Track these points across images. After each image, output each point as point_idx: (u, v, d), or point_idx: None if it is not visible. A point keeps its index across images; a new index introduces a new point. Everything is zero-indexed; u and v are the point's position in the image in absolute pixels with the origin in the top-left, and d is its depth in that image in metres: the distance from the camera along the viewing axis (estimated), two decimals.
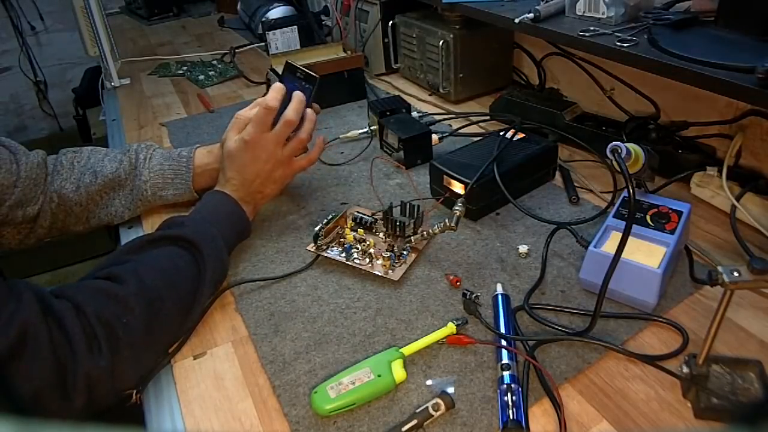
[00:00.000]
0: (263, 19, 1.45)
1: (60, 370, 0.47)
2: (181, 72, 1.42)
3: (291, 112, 0.73)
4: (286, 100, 0.75)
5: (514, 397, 0.49)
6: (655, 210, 0.63)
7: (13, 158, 0.73)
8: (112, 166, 0.78)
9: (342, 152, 0.96)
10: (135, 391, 0.54)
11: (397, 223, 0.69)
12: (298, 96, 0.74)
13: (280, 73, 0.78)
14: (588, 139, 0.87)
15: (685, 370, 0.49)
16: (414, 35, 1.15)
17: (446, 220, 0.66)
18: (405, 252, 0.69)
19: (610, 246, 0.60)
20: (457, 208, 0.67)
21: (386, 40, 1.24)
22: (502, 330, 0.57)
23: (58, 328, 0.49)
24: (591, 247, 0.61)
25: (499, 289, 0.62)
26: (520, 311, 0.60)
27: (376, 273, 0.66)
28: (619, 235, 0.52)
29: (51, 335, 0.48)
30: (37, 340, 0.46)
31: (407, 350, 0.55)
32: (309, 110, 0.77)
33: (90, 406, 0.50)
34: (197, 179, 0.80)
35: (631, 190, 0.51)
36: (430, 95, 1.17)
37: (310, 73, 0.76)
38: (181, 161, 0.80)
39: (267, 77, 1.24)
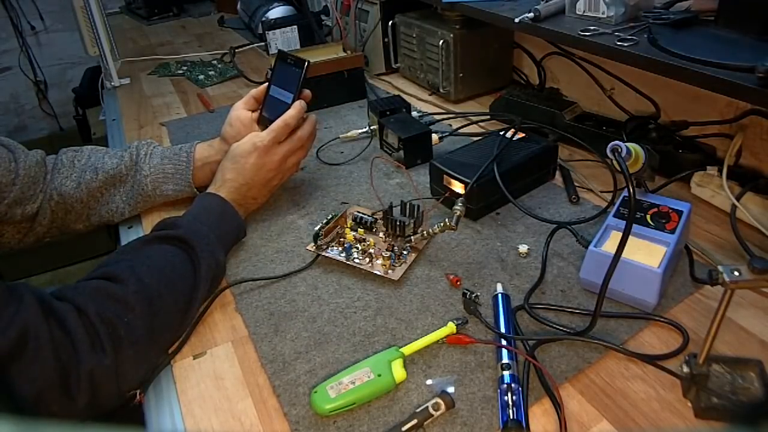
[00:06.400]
0: (263, 19, 1.45)
1: (62, 371, 0.47)
2: (181, 72, 1.42)
3: (290, 118, 0.75)
4: (281, 90, 0.79)
5: (514, 397, 0.49)
6: (656, 209, 0.63)
7: (12, 157, 0.73)
8: (113, 162, 0.78)
9: (342, 152, 0.96)
10: (138, 391, 0.55)
11: (397, 223, 0.69)
12: (298, 104, 0.76)
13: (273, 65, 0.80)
14: (588, 138, 0.87)
15: (686, 369, 0.49)
16: (414, 35, 1.15)
17: (446, 220, 0.66)
18: (405, 252, 0.69)
19: (610, 246, 0.60)
20: (457, 207, 0.67)
21: (386, 40, 1.24)
22: (503, 329, 0.57)
23: (59, 329, 0.49)
24: (591, 247, 0.61)
25: (499, 288, 0.62)
26: (521, 311, 0.60)
27: (376, 273, 0.66)
28: (619, 234, 0.52)
29: (52, 336, 0.48)
30: (38, 341, 0.46)
31: (407, 350, 0.55)
32: (312, 116, 0.79)
33: (94, 406, 0.50)
34: (198, 173, 0.81)
35: (631, 190, 0.51)
36: (430, 95, 1.17)
37: (300, 57, 0.77)
38: (181, 156, 0.81)
39: (267, 77, 1.24)
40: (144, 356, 0.55)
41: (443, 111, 1.08)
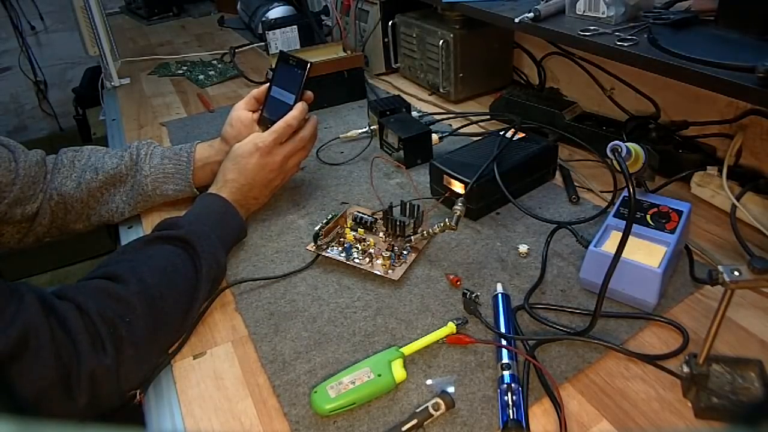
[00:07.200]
0: (263, 19, 1.45)
1: (63, 370, 0.47)
2: (181, 72, 1.42)
3: (292, 119, 0.75)
4: (282, 91, 0.78)
5: (514, 397, 0.49)
6: (656, 209, 0.63)
7: (12, 156, 0.73)
8: (113, 162, 0.78)
9: (342, 152, 0.96)
10: (138, 391, 0.55)
11: (397, 223, 0.69)
12: (300, 105, 0.76)
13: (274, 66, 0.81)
14: (588, 138, 0.87)
15: (686, 369, 0.49)
16: (414, 35, 1.15)
17: (446, 220, 0.66)
18: (405, 252, 0.69)
19: (610, 245, 0.60)
20: (457, 207, 0.67)
21: (386, 40, 1.24)
22: (503, 329, 0.57)
23: (60, 328, 0.49)
24: (591, 247, 0.61)
25: (499, 288, 0.62)
26: (520, 311, 0.60)
27: (376, 273, 0.66)
28: (620, 234, 0.52)
29: (53, 335, 0.48)
30: (38, 340, 0.46)
31: (407, 350, 0.55)
32: (314, 117, 0.80)
33: (94, 406, 0.50)
34: (198, 174, 0.81)
35: (631, 190, 0.51)
36: (430, 95, 1.17)
37: (301, 58, 0.77)
38: (181, 156, 0.81)
39: (267, 77, 1.24)
40: (145, 356, 0.55)
41: (443, 111, 1.08)
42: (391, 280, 0.65)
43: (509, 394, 0.49)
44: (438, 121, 1.03)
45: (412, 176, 0.86)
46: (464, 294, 0.61)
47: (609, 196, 0.77)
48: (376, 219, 0.73)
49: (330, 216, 0.72)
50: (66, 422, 0.48)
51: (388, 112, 0.95)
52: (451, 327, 0.57)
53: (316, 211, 0.81)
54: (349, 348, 0.58)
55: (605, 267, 0.53)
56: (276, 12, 1.48)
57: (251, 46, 1.58)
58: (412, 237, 0.69)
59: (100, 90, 1.43)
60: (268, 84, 0.81)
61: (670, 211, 0.62)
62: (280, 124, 0.75)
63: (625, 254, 0.52)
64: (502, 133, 0.82)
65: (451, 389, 0.51)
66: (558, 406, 0.49)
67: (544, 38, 0.91)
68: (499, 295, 0.60)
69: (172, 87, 1.35)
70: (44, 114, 2.80)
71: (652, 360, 0.53)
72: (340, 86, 1.13)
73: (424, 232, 0.68)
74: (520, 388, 0.50)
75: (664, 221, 0.61)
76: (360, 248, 0.70)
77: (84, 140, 2.25)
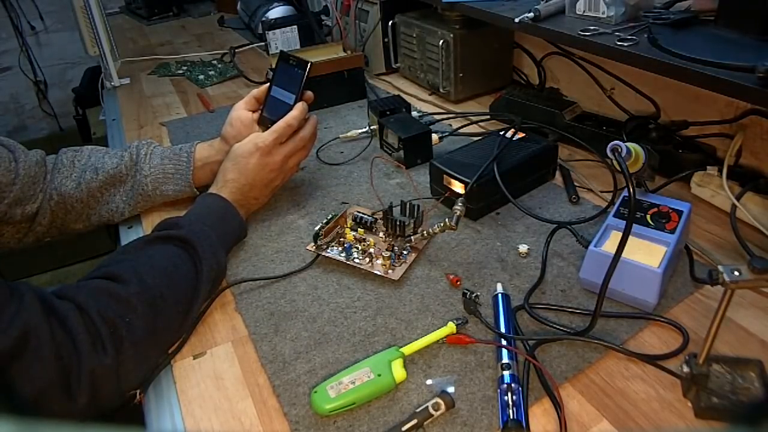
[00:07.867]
0: (263, 19, 1.45)
1: (63, 370, 0.47)
2: (181, 72, 1.42)
3: (292, 119, 0.75)
4: (283, 91, 0.79)
5: (514, 397, 0.49)
6: (656, 209, 0.63)
7: (12, 156, 0.73)
8: (113, 162, 0.78)
9: (342, 152, 0.96)
10: (138, 391, 0.55)
11: (397, 223, 0.69)
12: (300, 105, 0.76)
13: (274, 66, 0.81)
14: (588, 138, 0.87)
15: (686, 369, 0.49)
16: (414, 35, 1.15)
17: (446, 220, 0.66)
18: (405, 251, 0.69)
19: (610, 245, 0.60)
20: (457, 207, 0.67)
21: (386, 40, 1.24)
22: (503, 329, 0.57)
23: (61, 328, 0.49)
24: (591, 247, 0.60)
25: (499, 288, 0.62)
26: (521, 311, 0.60)
27: (376, 273, 0.66)
28: (620, 234, 0.52)
29: (53, 335, 0.48)
30: (39, 339, 0.46)
31: (407, 350, 0.55)
32: (313, 116, 0.80)
33: (94, 405, 0.50)
34: (198, 173, 0.81)
35: (631, 190, 0.51)
36: (430, 95, 1.17)
37: (301, 58, 0.77)
38: (181, 156, 0.81)
39: (267, 77, 1.24)
40: (145, 356, 0.55)
41: (443, 111, 1.08)
42: (391, 280, 0.65)
43: (509, 394, 0.49)
44: (438, 121, 1.03)
45: (412, 176, 0.86)
46: (464, 294, 0.61)
47: (609, 196, 0.77)
48: (376, 219, 0.73)
49: (330, 216, 0.72)
50: (66, 422, 0.48)
51: (388, 112, 0.95)
52: (451, 327, 0.57)
53: (316, 211, 0.81)
54: (349, 348, 0.58)
55: (605, 267, 0.53)
56: (276, 12, 1.48)
57: (251, 46, 1.58)
58: (412, 237, 0.69)
59: (100, 90, 1.43)
60: (268, 84, 0.81)
61: (670, 211, 0.62)
62: (280, 124, 0.75)
63: (625, 254, 0.52)
64: (502, 133, 0.82)
65: (451, 389, 0.51)
66: (558, 406, 0.49)
67: (544, 38, 0.91)
68: (499, 295, 0.60)
69: (172, 87, 1.35)
70: (44, 114, 2.80)
71: (652, 360, 0.53)
72: (340, 86, 1.13)
73: (424, 232, 0.68)
74: (520, 388, 0.50)
75: (664, 221, 0.61)
76: (360, 248, 0.70)
77: (84, 140, 2.25)
